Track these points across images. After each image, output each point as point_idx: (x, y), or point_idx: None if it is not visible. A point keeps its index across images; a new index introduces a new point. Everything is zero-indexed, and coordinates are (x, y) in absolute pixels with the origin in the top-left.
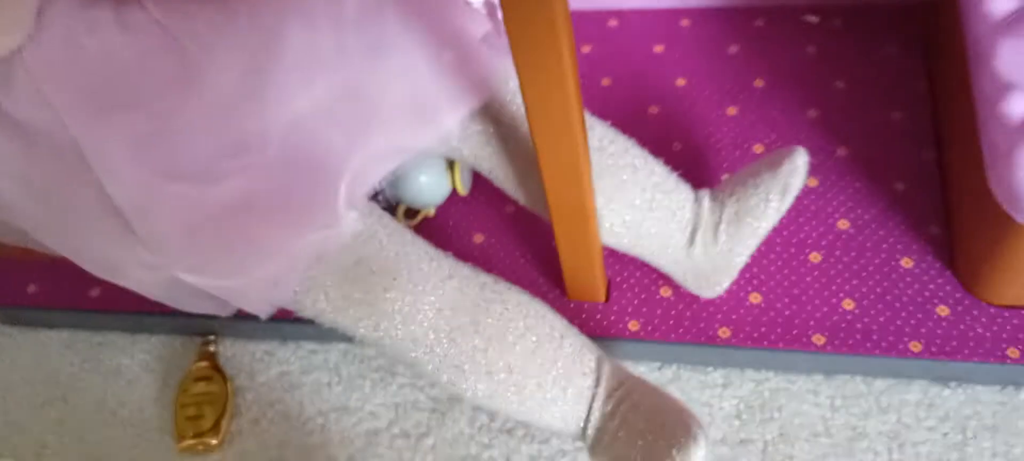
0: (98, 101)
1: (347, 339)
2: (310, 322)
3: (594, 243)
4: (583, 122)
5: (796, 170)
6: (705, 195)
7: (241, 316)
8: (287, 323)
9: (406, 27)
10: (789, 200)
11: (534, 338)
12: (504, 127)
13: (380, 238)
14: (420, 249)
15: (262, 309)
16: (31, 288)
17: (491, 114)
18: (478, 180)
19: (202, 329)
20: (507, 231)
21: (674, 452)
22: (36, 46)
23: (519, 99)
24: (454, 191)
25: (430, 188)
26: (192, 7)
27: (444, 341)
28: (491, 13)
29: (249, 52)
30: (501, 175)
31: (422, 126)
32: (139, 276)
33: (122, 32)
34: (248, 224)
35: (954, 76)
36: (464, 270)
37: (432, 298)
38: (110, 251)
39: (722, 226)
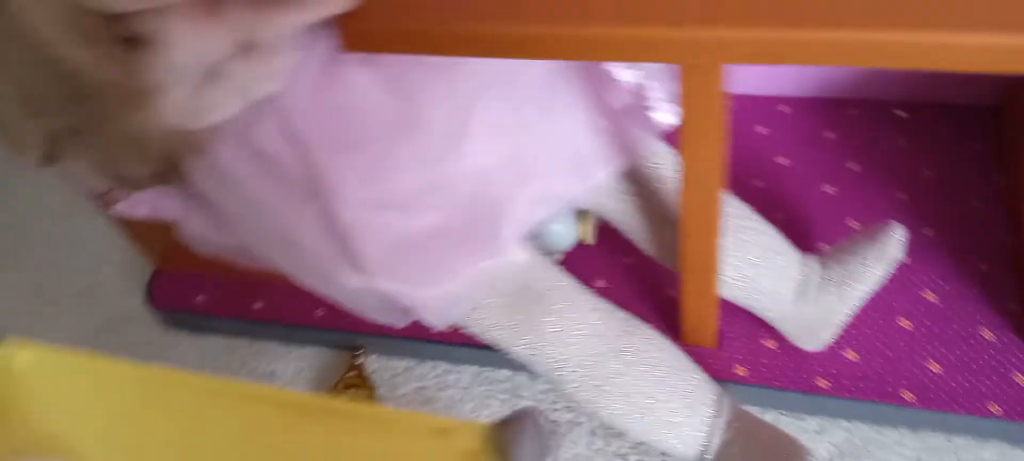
0: (335, 140)
1: (478, 362)
2: (446, 343)
3: (714, 293)
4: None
5: (894, 242)
6: (812, 258)
7: (386, 334)
8: (427, 343)
9: (572, 98)
10: (888, 268)
11: (666, 368)
12: (641, 186)
13: (540, 271)
14: (571, 283)
15: (438, 321)
16: (199, 298)
17: (631, 174)
18: (601, 232)
19: (351, 344)
20: (626, 279)
21: None
22: (292, 92)
23: (654, 162)
24: (581, 240)
25: (561, 235)
26: (416, 73)
27: (589, 363)
28: (640, 94)
29: (449, 114)
30: (634, 226)
31: (578, 179)
32: (341, 286)
33: (358, 87)
34: (437, 249)
35: None
36: (605, 304)
37: (582, 326)
38: (322, 265)
39: (828, 287)
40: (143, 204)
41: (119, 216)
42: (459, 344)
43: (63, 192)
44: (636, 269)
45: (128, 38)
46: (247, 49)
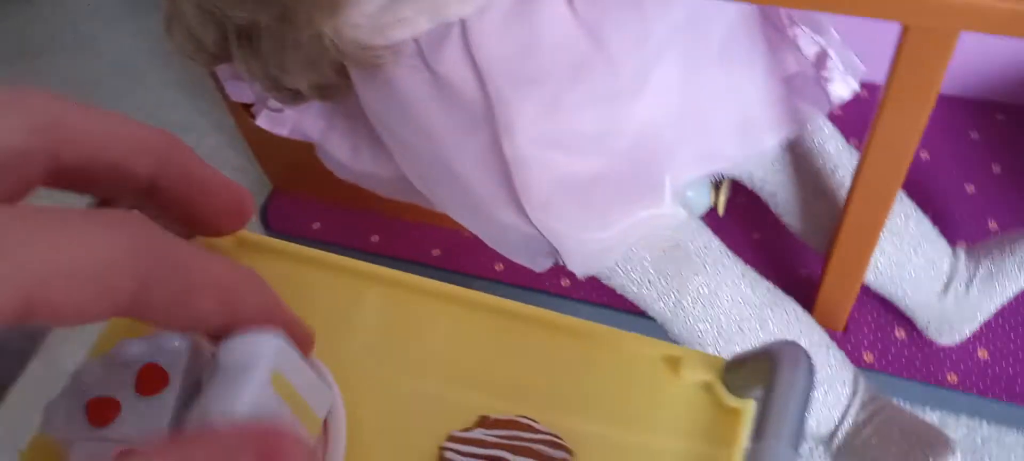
0: (517, 71)
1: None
2: (573, 299)
3: (861, 276)
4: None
5: None
6: (962, 251)
7: (503, 282)
8: (549, 296)
9: (751, 60)
10: None
11: (807, 341)
12: (798, 159)
13: (692, 230)
14: (721, 246)
15: (583, 269)
16: (315, 224)
17: (791, 145)
18: (731, 204)
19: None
20: (753, 254)
21: (930, 459)
22: (479, 18)
23: (820, 136)
24: (713, 209)
25: (694, 202)
26: (611, 14)
27: (733, 328)
28: (819, 62)
29: (637, 62)
30: (782, 199)
31: (744, 142)
32: (494, 220)
33: (552, 20)
34: (597, 194)
35: None
36: (753, 273)
37: (729, 290)
38: (477, 194)
39: (975, 282)
40: (286, 122)
41: (247, 133)
42: (586, 301)
43: (182, 107)
44: (764, 245)
45: None
46: None
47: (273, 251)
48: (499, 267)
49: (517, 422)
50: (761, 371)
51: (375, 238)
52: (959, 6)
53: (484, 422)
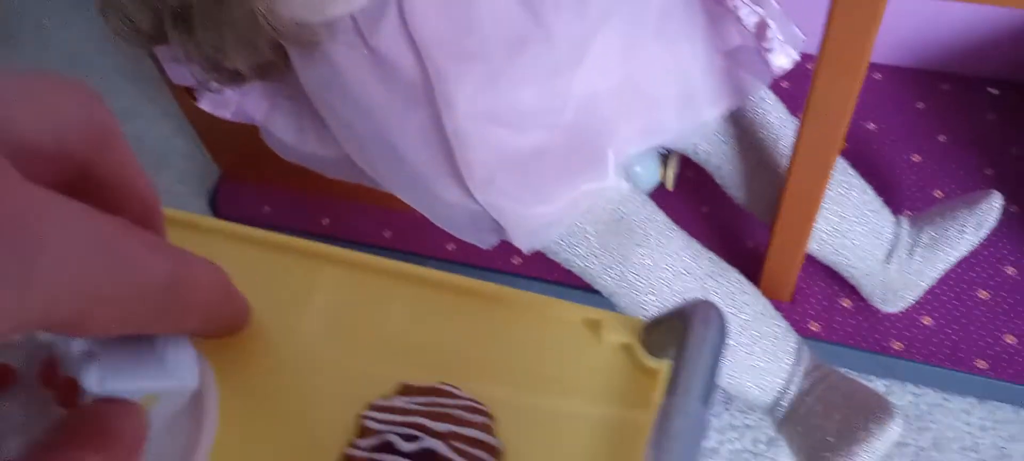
0: (455, 46)
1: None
2: (522, 275)
3: (804, 246)
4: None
5: (992, 210)
6: (905, 219)
7: (455, 261)
8: (499, 274)
9: (691, 32)
10: (982, 235)
11: (750, 312)
12: (741, 131)
13: (636, 203)
14: (664, 218)
15: (529, 243)
16: (265, 208)
17: (733, 117)
18: (680, 179)
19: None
20: (701, 227)
21: (871, 425)
22: None
23: (762, 107)
24: (662, 185)
25: (642, 178)
26: None
27: (677, 300)
28: (760, 33)
29: (575, 35)
30: (727, 172)
31: (685, 114)
32: (438, 198)
33: None
34: (539, 169)
35: None
36: (696, 244)
37: (673, 261)
38: (419, 173)
39: (918, 249)
40: (229, 104)
41: (193, 118)
42: (538, 278)
43: (128, 93)
44: (712, 218)
45: None
46: None
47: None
48: (451, 247)
49: (437, 389)
50: (676, 331)
51: (326, 221)
52: None
53: (404, 390)
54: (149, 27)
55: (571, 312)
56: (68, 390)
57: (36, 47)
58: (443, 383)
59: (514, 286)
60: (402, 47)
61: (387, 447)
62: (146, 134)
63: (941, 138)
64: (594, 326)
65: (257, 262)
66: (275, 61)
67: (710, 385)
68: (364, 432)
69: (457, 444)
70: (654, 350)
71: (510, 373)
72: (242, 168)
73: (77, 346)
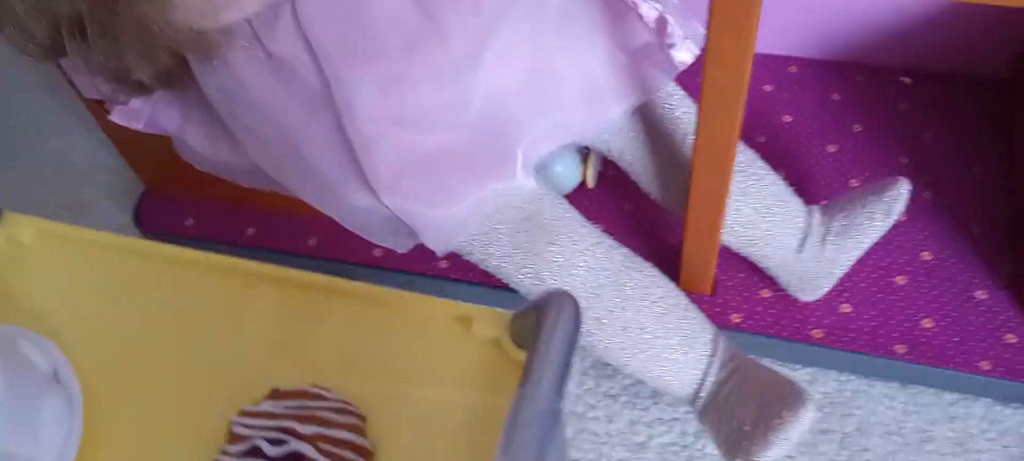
0: (351, 48)
1: (473, 298)
2: (441, 277)
3: (717, 238)
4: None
5: (899, 197)
6: (816, 209)
7: (376, 266)
8: (420, 277)
9: (591, 30)
10: (890, 222)
11: (665, 305)
12: (651, 126)
13: (547, 201)
14: (576, 215)
15: (442, 245)
16: (189, 221)
17: (643, 114)
18: (603, 177)
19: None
20: (625, 224)
21: (785, 412)
22: None
23: (669, 102)
24: (583, 183)
25: (563, 177)
26: None
27: (590, 296)
28: (660, 29)
29: (471, 33)
30: (640, 167)
31: (591, 112)
32: (348, 204)
33: None
34: (447, 170)
35: None
36: (609, 239)
37: (586, 257)
38: (330, 180)
39: (830, 237)
40: (140, 116)
41: (111, 133)
42: (465, 281)
43: (51, 108)
44: (635, 215)
45: None
46: None
47: None
48: (378, 253)
49: (307, 392)
50: (533, 322)
51: (251, 231)
52: None
53: (274, 394)
54: (45, 38)
55: (443, 308)
56: None
57: None
58: (313, 386)
59: (441, 290)
60: (299, 51)
61: (255, 452)
62: (71, 150)
63: (857, 128)
64: (465, 321)
65: (127, 270)
66: (176, 70)
67: (563, 373)
68: (234, 438)
69: (324, 446)
70: (520, 341)
71: (384, 371)
72: (165, 181)
73: None
